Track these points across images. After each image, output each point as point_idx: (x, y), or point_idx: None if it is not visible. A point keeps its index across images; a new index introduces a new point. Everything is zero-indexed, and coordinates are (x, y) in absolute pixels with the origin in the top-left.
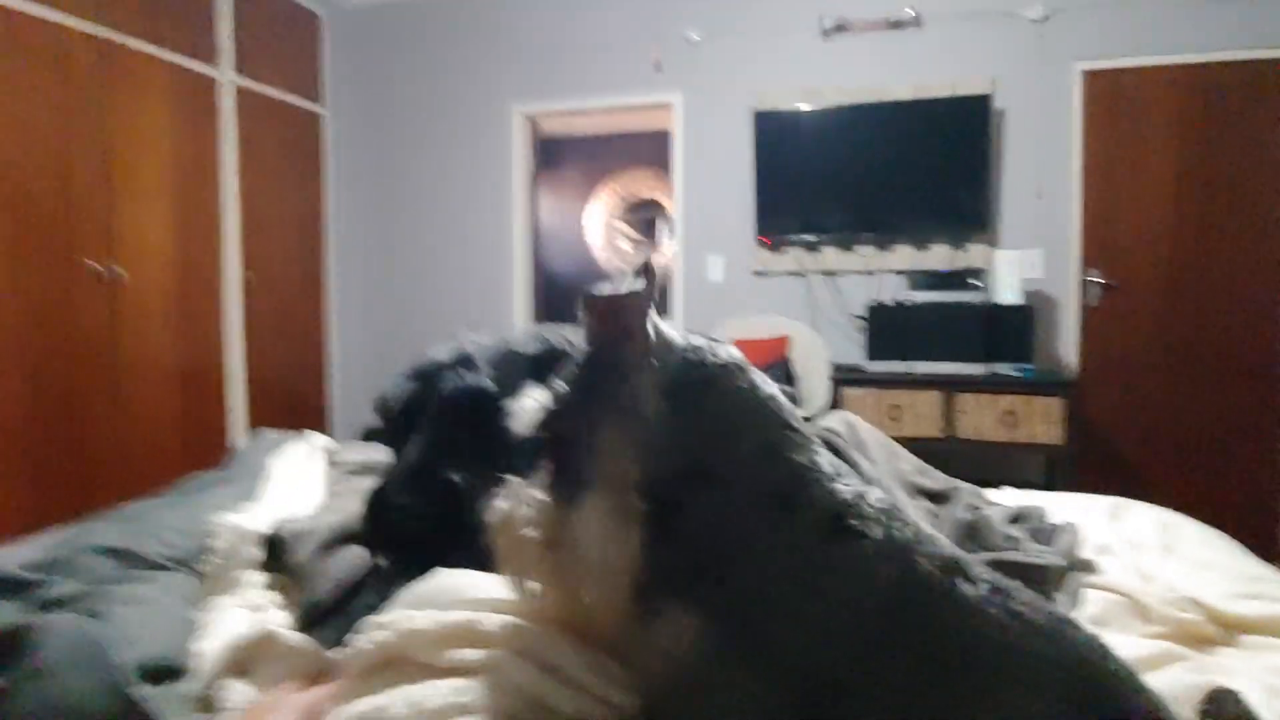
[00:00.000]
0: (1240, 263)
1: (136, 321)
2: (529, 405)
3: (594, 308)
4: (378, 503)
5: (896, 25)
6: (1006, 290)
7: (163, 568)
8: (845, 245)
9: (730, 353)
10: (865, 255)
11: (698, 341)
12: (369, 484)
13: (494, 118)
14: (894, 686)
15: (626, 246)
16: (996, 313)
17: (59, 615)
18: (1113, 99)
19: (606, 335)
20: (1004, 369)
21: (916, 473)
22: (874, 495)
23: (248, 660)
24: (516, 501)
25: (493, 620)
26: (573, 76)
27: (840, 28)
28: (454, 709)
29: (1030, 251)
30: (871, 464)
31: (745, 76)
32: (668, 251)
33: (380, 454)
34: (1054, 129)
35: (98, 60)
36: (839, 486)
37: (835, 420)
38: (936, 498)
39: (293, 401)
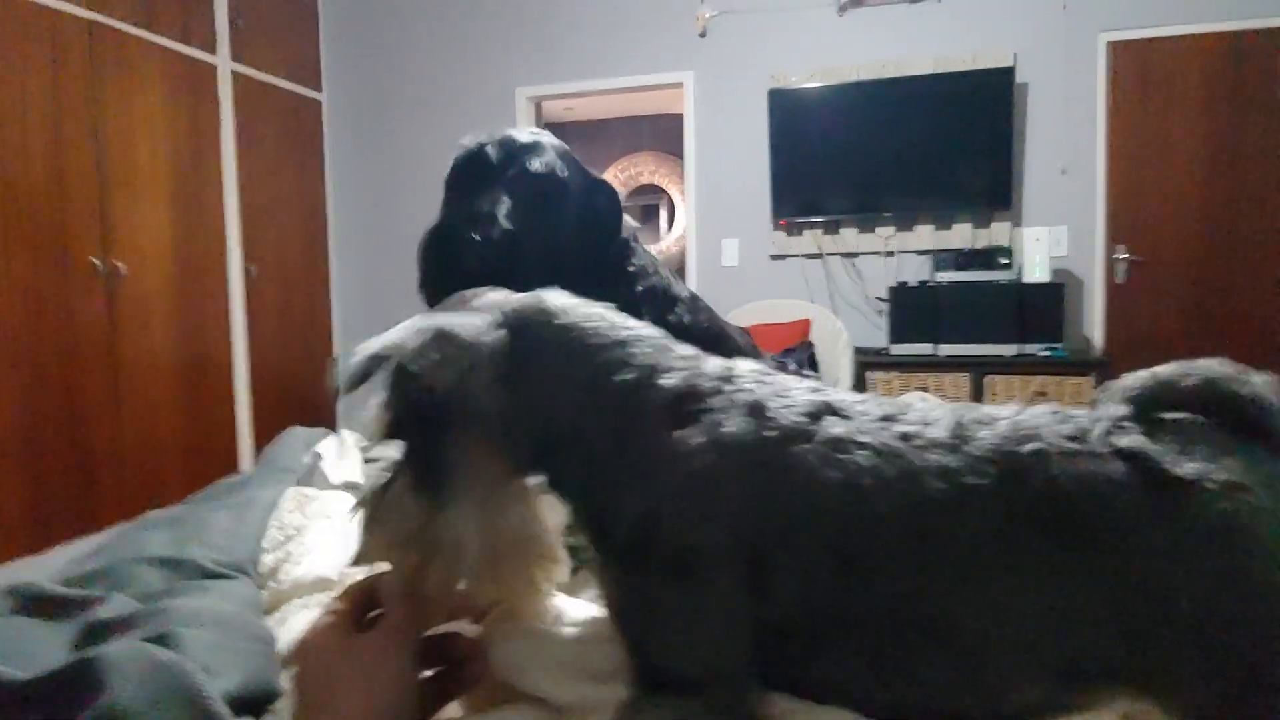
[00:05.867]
0: (1271, 235)
1: (136, 317)
2: (372, 413)
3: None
4: (444, 236)
5: None
6: (1035, 268)
7: (216, 575)
8: (864, 226)
9: (527, 304)
10: (885, 236)
11: (540, 306)
12: None
13: (498, 101)
14: (795, 547)
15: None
16: (1025, 292)
17: (124, 643)
18: (1139, 70)
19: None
20: (1034, 349)
21: None
22: (711, 371)
23: None
24: (383, 500)
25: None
26: (580, 58)
27: (857, 2)
28: None
29: (1055, 228)
30: None
31: (759, 55)
32: (668, 238)
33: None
34: (1078, 102)
35: (91, 46)
36: (666, 380)
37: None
38: None
39: (299, 396)
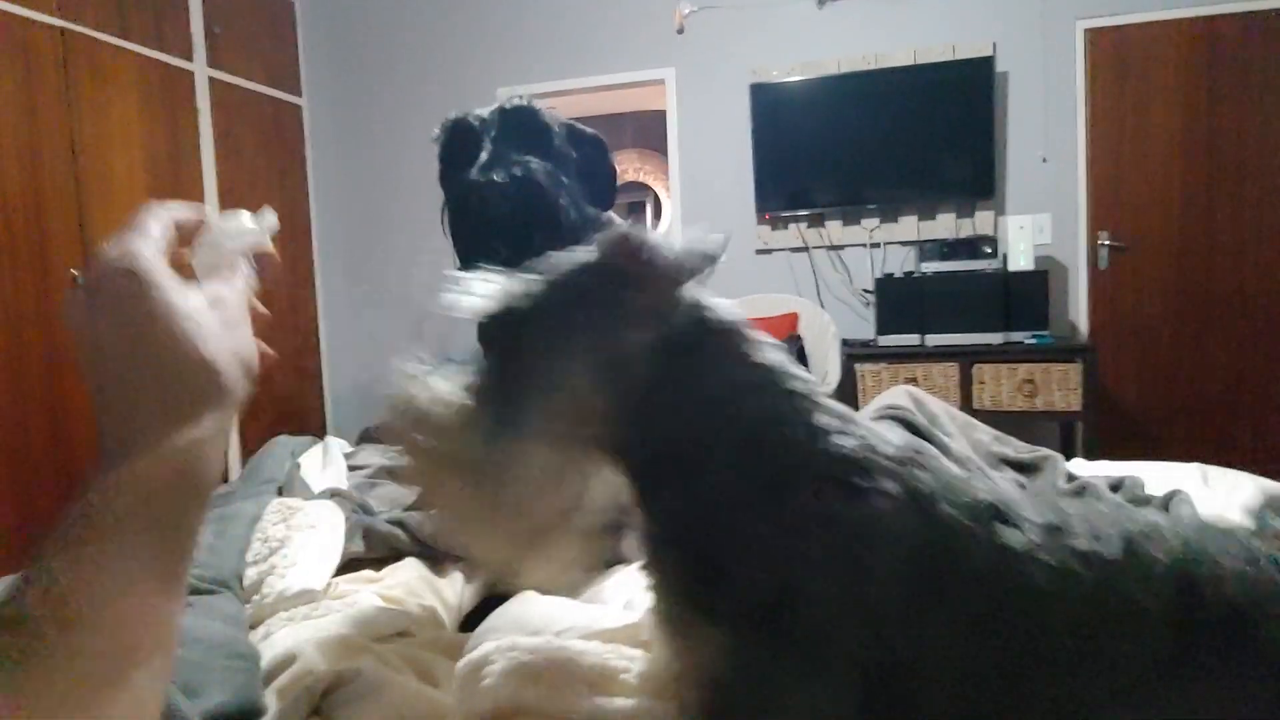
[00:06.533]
0: (1251, 217)
1: None
2: (486, 285)
3: (624, 249)
4: (465, 191)
5: None
6: (1019, 256)
7: (198, 592)
8: (849, 218)
9: (732, 312)
10: (870, 227)
11: (701, 297)
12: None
13: (480, 102)
14: (950, 655)
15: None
16: (1010, 280)
17: None
18: (1116, 57)
19: (624, 272)
20: (1020, 337)
21: (995, 442)
22: (887, 444)
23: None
24: (428, 390)
25: (625, 664)
26: (560, 57)
27: None
28: None
29: (1038, 216)
30: (948, 438)
31: (739, 50)
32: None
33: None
34: (1058, 90)
35: (64, 54)
36: (843, 443)
37: (900, 397)
38: (1023, 468)
39: (287, 405)
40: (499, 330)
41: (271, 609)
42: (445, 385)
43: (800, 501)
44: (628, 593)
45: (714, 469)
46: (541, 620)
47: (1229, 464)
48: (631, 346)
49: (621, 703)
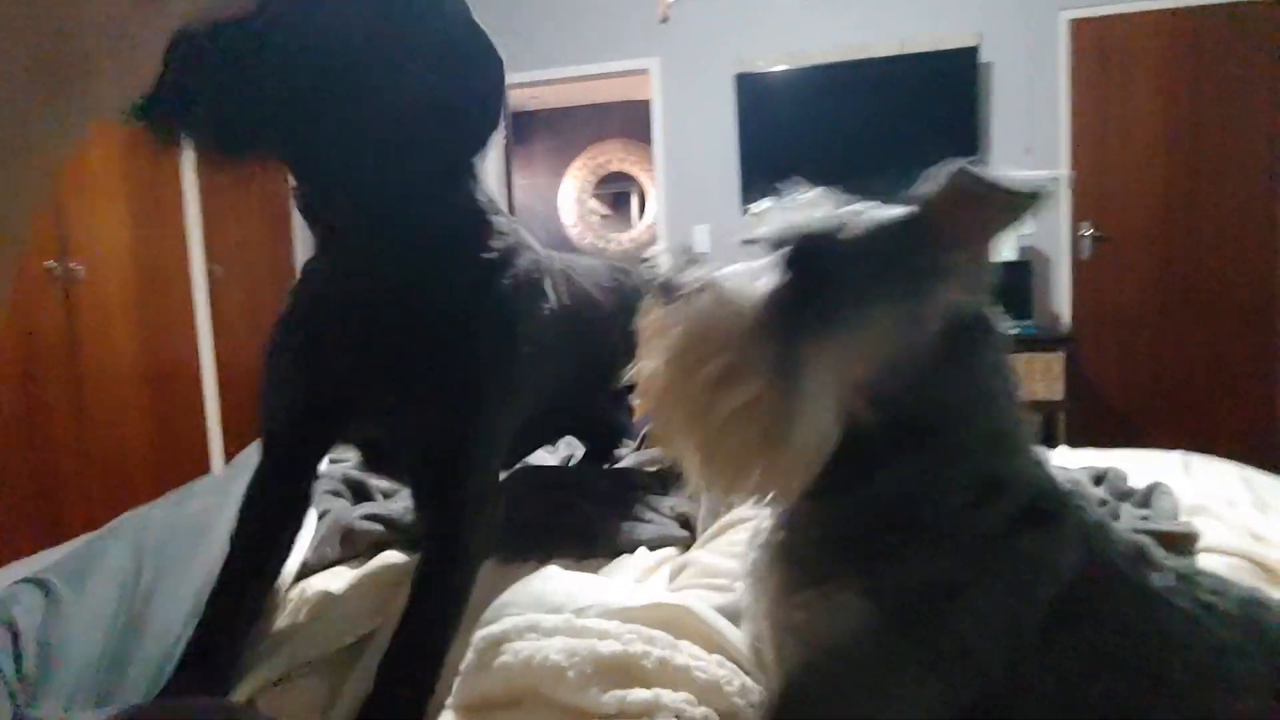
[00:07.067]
0: (1232, 208)
1: (97, 322)
2: (811, 205)
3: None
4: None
5: None
6: (1002, 247)
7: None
8: None
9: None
10: None
11: (984, 299)
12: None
13: None
14: (1066, 685)
15: (598, 223)
16: (993, 270)
17: None
18: (1099, 48)
19: (953, 224)
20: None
21: None
22: (1059, 473)
23: None
24: (737, 288)
25: (644, 648)
26: (544, 46)
27: None
28: None
29: None
30: None
31: (724, 39)
32: (639, 225)
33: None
34: (1041, 81)
35: None
36: (1042, 468)
37: None
38: None
39: None
40: (812, 252)
41: None
42: (744, 287)
43: (1000, 513)
44: (622, 579)
45: (945, 459)
46: (563, 597)
47: (1210, 452)
48: (932, 315)
49: (639, 694)
